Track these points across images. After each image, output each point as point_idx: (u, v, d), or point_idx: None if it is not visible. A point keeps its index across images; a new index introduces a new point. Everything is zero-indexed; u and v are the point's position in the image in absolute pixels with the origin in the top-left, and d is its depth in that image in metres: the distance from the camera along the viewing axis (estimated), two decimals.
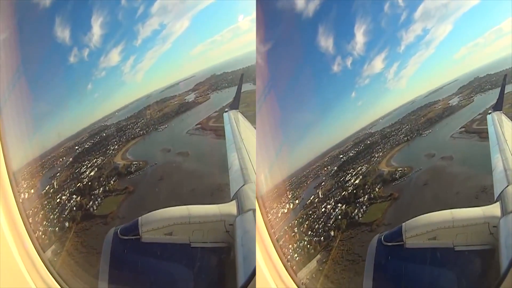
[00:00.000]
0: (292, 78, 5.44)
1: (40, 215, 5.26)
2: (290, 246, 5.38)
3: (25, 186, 5.16)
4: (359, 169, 5.80)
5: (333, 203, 5.62)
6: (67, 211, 5.44)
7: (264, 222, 4.91)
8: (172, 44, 5.47)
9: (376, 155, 5.85)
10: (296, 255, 5.37)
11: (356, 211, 5.60)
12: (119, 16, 5.34)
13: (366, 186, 5.69)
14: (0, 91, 4.93)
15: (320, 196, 5.68)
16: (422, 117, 5.96)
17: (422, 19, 5.38)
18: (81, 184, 5.54)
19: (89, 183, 5.56)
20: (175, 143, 5.79)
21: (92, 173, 5.60)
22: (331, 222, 5.58)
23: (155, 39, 5.42)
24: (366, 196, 5.63)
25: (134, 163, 5.68)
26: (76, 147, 5.65)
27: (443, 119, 6.00)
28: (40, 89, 5.38)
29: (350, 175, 5.79)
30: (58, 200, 5.43)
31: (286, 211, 5.50)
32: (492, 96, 5.98)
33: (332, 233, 5.56)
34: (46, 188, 5.45)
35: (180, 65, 5.62)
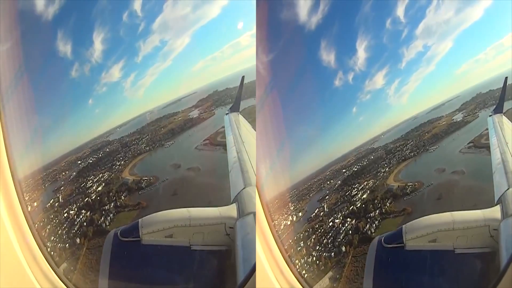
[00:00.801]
0: (293, 92, 5.50)
1: (47, 230, 5.33)
2: (297, 261, 5.33)
3: (27, 198, 5.19)
4: (365, 183, 5.89)
5: (341, 218, 5.64)
6: (77, 226, 5.52)
7: (268, 223, 4.87)
8: (173, 61, 5.63)
9: (382, 170, 5.92)
10: (304, 271, 5.31)
11: (367, 226, 5.65)
12: (121, 33, 5.54)
13: (376, 201, 5.77)
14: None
15: (326, 209, 5.68)
16: (427, 133, 6.07)
17: (423, 36, 5.53)
18: (89, 199, 5.65)
19: (98, 198, 5.66)
20: (185, 158, 5.88)
21: (99, 188, 5.72)
22: (341, 237, 5.61)
23: (156, 55, 5.60)
24: (377, 211, 5.66)
25: (144, 178, 5.79)
26: (79, 162, 5.79)
27: (449, 134, 6.03)
28: (40, 102, 5.46)
29: (356, 189, 5.88)
30: (65, 214, 5.53)
31: (289, 223, 5.46)
32: None
33: (343, 248, 5.55)
34: (51, 202, 5.54)
35: (181, 81, 5.77)
